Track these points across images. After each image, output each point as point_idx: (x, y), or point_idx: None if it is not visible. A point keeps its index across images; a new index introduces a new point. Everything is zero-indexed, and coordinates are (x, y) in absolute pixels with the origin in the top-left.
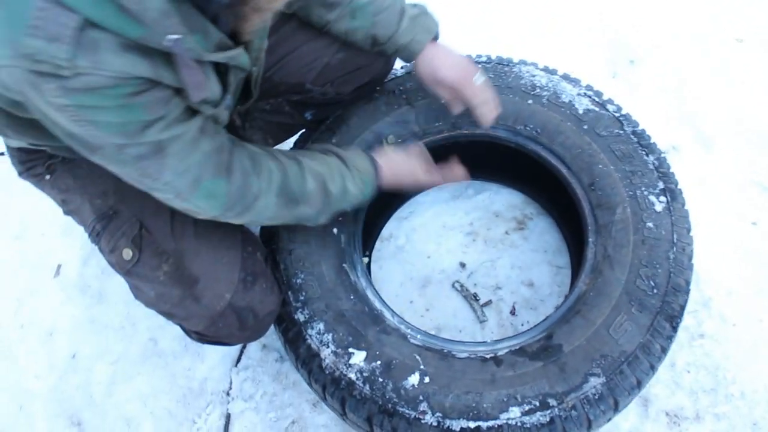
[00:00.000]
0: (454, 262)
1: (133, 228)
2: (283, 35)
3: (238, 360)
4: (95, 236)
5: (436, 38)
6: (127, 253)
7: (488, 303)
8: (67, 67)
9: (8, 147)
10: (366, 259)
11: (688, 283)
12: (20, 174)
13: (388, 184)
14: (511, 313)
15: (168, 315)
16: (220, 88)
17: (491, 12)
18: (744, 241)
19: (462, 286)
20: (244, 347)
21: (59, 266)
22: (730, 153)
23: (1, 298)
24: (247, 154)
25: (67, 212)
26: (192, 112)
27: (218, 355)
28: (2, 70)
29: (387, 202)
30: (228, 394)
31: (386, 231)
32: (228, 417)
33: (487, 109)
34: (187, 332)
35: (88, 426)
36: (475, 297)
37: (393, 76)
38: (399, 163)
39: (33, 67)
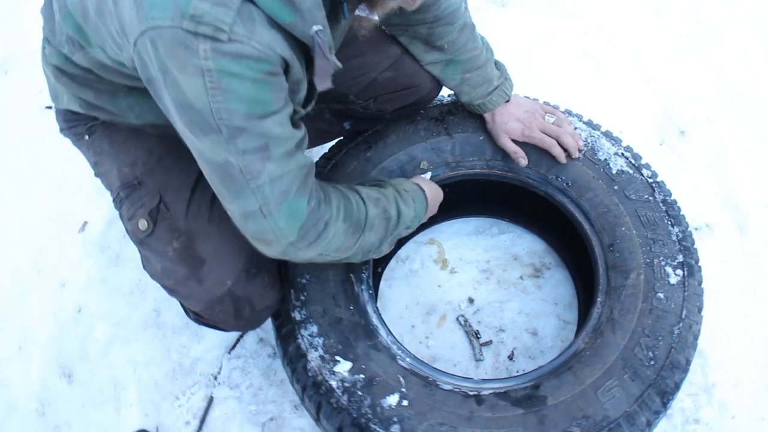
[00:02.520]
0: (464, 295)
1: (152, 200)
2: (343, 43)
3: (233, 347)
4: (118, 202)
5: (508, 100)
6: (143, 224)
7: (488, 343)
8: (227, 31)
9: (56, 107)
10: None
11: (688, 361)
12: (61, 130)
13: (430, 200)
14: (508, 357)
15: (170, 290)
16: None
17: (552, 62)
18: (762, 333)
19: (466, 321)
20: (241, 336)
21: (85, 223)
22: (765, 241)
23: (26, 242)
24: (318, 183)
25: (97, 174)
26: (294, 123)
27: (216, 339)
28: (155, 32)
29: None
30: (216, 378)
31: (403, 252)
32: (210, 400)
33: (558, 152)
34: (186, 311)
35: (77, 379)
36: (477, 334)
37: (438, 103)
38: (430, 183)
39: (194, 28)
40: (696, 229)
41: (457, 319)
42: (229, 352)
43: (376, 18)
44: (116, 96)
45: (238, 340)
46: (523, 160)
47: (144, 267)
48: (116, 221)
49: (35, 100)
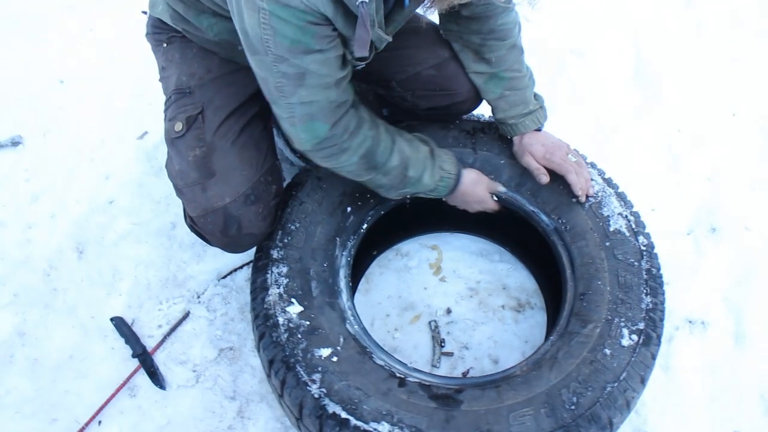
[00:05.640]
0: (444, 304)
1: (194, 110)
2: (401, 31)
3: (224, 276)
4: (168, 104)
5: (539, 129)
6: (178, 126)
7: (449, 354)
8: None
9: (150, 14)
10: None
11: (612, 423)
12: (147, 34)
13: (461, 193)
14: (463, 374)
15: (179, 191)
16: None
17: (608, 129)
18: None
19: (436, 327)
20: (235, 270)
21: (146, 132)
22: (758, 357)
23: (93, 134)
24: (356, 118)
25: (160, 79)
26: (343, 64)
27: (212, 265)
28: None
29: (419, 223)
30: (199, 297)
31: (405, 248)
32: (186, 314)
33: (574, 179)
34: (185, 215)
35: (86, 257)
36: (442, 343)
37: (473, 118)
38: (479, 177)
39: None
40: (690, 322)
41: (429, 323)
42: (219, 280)
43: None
44: (201, 15)
45: (231, 272)
46: (545, 177)
47: (166, 165)
48: None
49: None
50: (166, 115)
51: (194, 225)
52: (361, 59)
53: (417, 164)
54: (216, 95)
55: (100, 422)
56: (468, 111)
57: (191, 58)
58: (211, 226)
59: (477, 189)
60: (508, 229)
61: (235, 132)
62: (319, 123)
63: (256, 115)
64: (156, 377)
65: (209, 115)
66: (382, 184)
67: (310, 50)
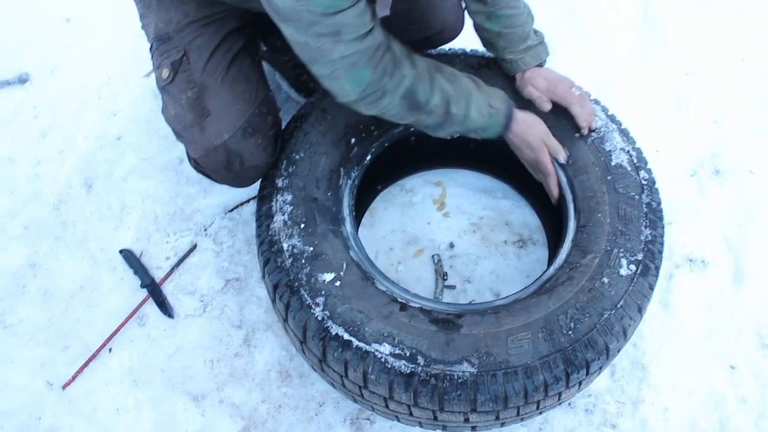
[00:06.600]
0: (447, 239)
1: (177, 54)
2: None
3: (231, 210)
4: (152, 52)
5: (541, 65)
6: (165, 73)
7: (452, 287)
8: None
9: None
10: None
11: (608, 349)
12: None
13: (517, 133)
14: None
15: (178, 135)
16: None
17: (615, 72)
18: (711, 381)
19: (439, 260)
20: (242, 203)
21: (151, 71)
22: (756, 296)
23: (99, 72)
24: (392, 57)
25: (142, 26)
26: (373, 14)
27: (219, 198)
28: None
29: (423, 159)
30: (206, 230)
31: (410, 184)
32: (194, 246)
33: (578, 110)
34: (189, 158)
35: (95, 192)
36: (444, 276)
37: (480, 54)
38: (535, 122)
39: None
40: (690, 260)
41: (432, 256)
42: (225, 213)
43: None
44: None
45: (237, 206)
46: (547, 105)
47: (162, 112)
48: None
49: None
50: (153, 64)
51: (198, 166)
52: None
53: (459, 100)
54: (196, 36)
55: (110, 349)
56: (448, 40)
57: (167, 4)
58: (214, 164)
59: (531, 132)
60: (513, 166)
61: (224, 68)
62: (362, 69)
63: (242, 48)
64: (164, 307)
65: (194, 56)
66: (428, 124)
67: (341, 9)
